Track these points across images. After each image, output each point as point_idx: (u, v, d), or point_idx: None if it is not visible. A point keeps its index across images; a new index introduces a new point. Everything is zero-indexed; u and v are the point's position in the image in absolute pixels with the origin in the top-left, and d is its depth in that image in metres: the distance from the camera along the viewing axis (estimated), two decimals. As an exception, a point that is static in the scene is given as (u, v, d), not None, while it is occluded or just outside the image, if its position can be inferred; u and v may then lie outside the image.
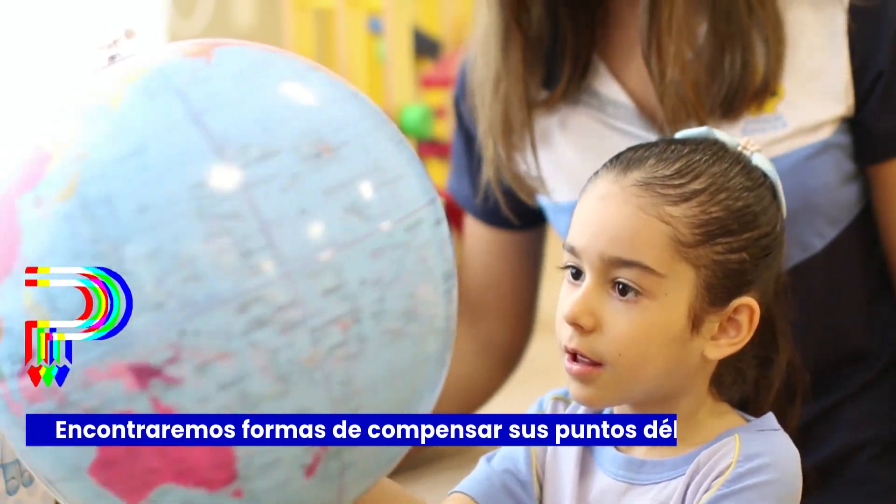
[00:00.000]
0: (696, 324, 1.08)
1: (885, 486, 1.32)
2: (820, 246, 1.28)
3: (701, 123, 1.25)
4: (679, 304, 1.07)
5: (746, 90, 1.25)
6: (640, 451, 1.11)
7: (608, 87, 1.32)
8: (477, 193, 1.41)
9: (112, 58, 0.96)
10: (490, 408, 1.52)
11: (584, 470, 1.13)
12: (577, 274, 1.10)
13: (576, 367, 1.08)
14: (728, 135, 1.14)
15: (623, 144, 1.23)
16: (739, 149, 1.13)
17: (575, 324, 1.07)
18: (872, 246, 1.33)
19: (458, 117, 1.46)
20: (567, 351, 1.09)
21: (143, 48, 0.96)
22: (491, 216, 1.44)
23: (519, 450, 1.16)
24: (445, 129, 3.31)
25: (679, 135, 1.16)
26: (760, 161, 1.13)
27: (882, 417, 1.33)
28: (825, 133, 1.27)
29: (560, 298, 1.12)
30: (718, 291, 1.08)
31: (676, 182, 1.08)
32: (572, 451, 1.14)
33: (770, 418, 1.12)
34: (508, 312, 1.49)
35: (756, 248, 1.10)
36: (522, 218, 1.42)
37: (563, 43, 1.32)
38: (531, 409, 1.20)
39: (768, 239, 1.11)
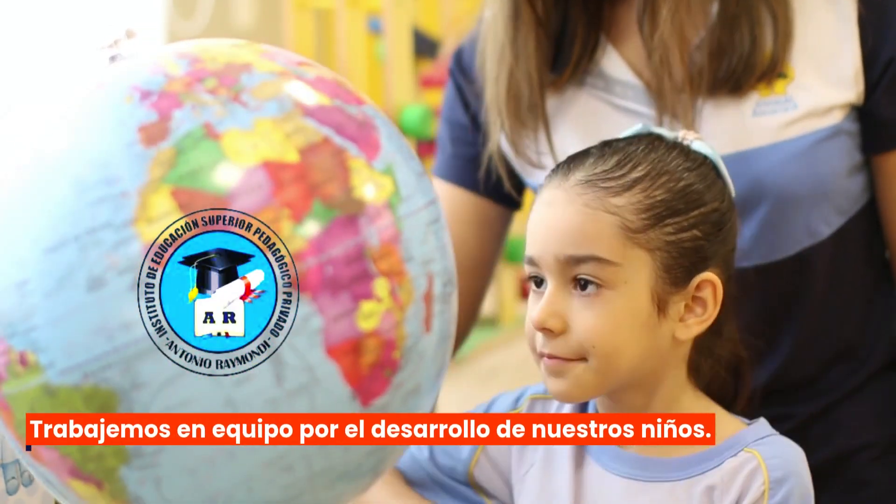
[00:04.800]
0: (661, 307, 1.10)
1: (885, 489, 1.32)
2: (827, 233, 1.29)
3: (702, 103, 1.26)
4: (640, 289, 1.09)
5: (755, 66, 1.26)
6: (643, 450, 1.13)
7: (616, 67, 1.32)
8: (473, 164, 1.40)
9: (113, 58, 0.96)
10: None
11: (580, 468, 1.14)
12: (540, 282, 1.12)
13: (551, 361, 1.10)
14: (667, 130, 1.17)
15: (629, 123, 1.24)
16: (679, 139, 1.16)
17: (544, 328, 1.09)
18: (875, 238, 1.33)
19: (458, 92, 1.44)
20: (542, 356, 1.10)
21: (144, 48, 0.97)
22: (465, 180, 1.43)
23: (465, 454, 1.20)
24: (445, 130, 3.31)
25: (624, 133, 1.18)
26: (700, 146, 1.15)
27: (880, 420, 1.33)
28: (835, 118, 1.27)
29: (528, 311, 1.13)
30: (677, 271, 1.10)
31: (616, 174, 1.11)
32: (566, 449, 1.15)
33: (764, 423, 1.14)
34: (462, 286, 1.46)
35: (707, 224, 1.12)
36: (519, 192, 1.41)
37: (572, 25, 1.32)
38: (507, 403, 1.21)
39: (717, 214, 1.13)
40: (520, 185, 1.40)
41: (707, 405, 1.16)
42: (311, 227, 0.88)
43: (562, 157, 1.32)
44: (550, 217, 1.11)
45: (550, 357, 1.10)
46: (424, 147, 3.25)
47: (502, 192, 1.40)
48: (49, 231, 0.87)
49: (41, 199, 0.88)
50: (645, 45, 1.27)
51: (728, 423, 1.14)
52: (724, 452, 1.11)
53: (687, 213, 1.11)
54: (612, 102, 1.31)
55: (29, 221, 0.88)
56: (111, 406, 0.86)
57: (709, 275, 1.11)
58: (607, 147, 1.14)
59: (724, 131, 1.25)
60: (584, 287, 1.09)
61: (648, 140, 1.15)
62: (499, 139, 1.35)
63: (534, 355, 1.12)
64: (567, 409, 1.18)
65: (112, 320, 0.85)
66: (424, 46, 3.49)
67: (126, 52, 0.97)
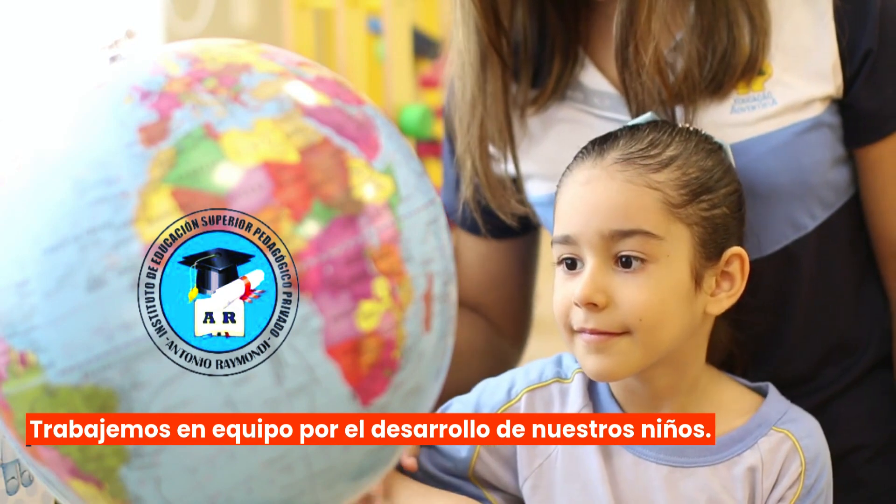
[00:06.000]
0: (697, 281, 1.13)
1: (879, 489, 1.32)
2: (811, 226, 1.29)
3: (693, 111, 1.26)
4: (681, 263, 1.12)
5: (735, 68, 1.26)
6: None
7: (592, 78, 1.32)
8: (459, 204, 1.41)
9: (113, 58, 0.96)
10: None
11: (609, 457, 1.16)
12: (573, 264, 1.12)
13: (595, 337, 1.10)
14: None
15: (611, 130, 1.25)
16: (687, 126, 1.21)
17: (589, 303, 1.10)
18: (860, 233, 1.34)
19: (447, 125, 1.46)
20: (583, 332, 1.11)
21: (144, 49, 0.97)
22: (472, 226, 1.45)
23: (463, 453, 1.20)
24: (445, 130, 3.31)
25: (629, 123, 1.21)
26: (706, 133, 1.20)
27: (875, 419, 1.34)
28: (815, 110, 1.27)
29: (557, 291, 1.14)
30: (711, 246, 1.14)
31: (653, 153, 1.14)
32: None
33: (775, 391, 1.19)
34: (503, 312, 1.49)
35: (731, 202, 1.16)
36: (501, 232, 1.42)
37: (551, 41, 1.32)
38: (499, 396, 1.21)
39: (737, 194, 1.17)
40: (496, 228, 1.41)
41: (725, 382, 1.19)
42: (311, 227, 0.88)
43: (550, 171, 1.34)
44: (590, 194, 1.13)
45: (594, 332, 1.10)
46: (424, 147, 3.24)
47: (478, 229, 1.42)
48: (49, 231, 0.87)
49: (41, 199, 0.88)
50: (621, 54, 1.27)
51: (745, 397, 1.19)
52: (754, 431, 1.16)
53: (717, 190, 1.15)
54: (591, 112, 1.32)
55: (29, 221, 0.88)
56: (111, 406, 0.86)
57: (738, 249, 1.16)
58: (635, 130, 1.17)
59: (702, 129, 1.25)
60: (627, 264, 1.11)
61: (668, 125, 1.19)
62: (473, 185, 1.36)
63: (566, 334, 1.14)
64: (573, 400, 1.18)
65: (112, 320, 0.85)
66: (424, 46, 3.48)
67: (126, 53, 0.97)
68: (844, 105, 1.29)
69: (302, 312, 0.87)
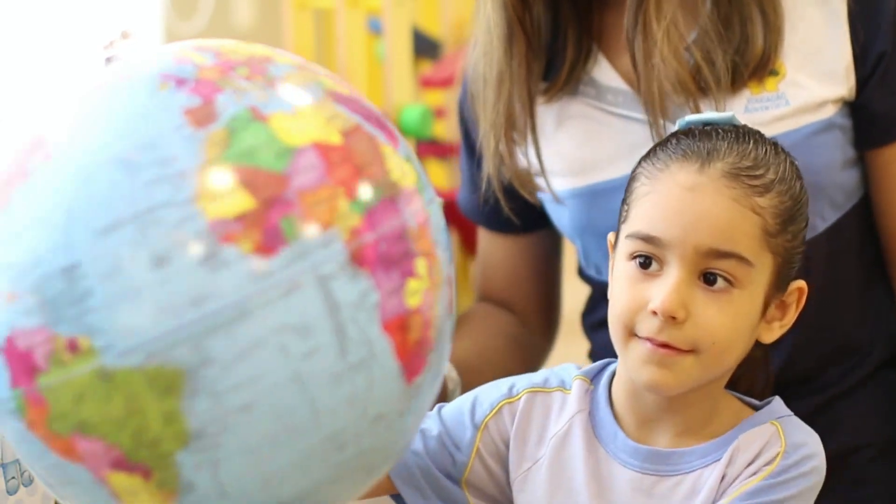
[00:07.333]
0: (764, 310, 1.11)
1: (883, 488, 1.32)
2: (821, 228, 1.29)
3: (696, 106, 1.26)
4: (759, 292, 1.10)
5: (748, 63, 1.26)
6: (662, 443, 1.12)
7: (605, 74, 1.32)
8: (479, 199, 1.41)
9: (109, 59, 0.97)
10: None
11: (596, 465, 1.13)
12: (647, 263, 1.09)
13: (662, 350, 1.07)
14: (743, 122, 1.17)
15: (624, 128, 1.26)
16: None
17: (670, 316, 1.07)
18: (870, 234, 1.34)
19: (461, 123, 1.46)
20: (656, 343, 1.08)
21: (140, 49, 0.97)
22: (494, 221, 1.44)
23: (467, 429, 1.17)
24: (445, 130, 3.31)
25: (703, 117, 1.16)
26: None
27: (879, 419, 1.34)
28: (828, 112, 1.27)
29: (622, 288, 1.11)
30: (784, 278, 1.11)
31: (757, 173, 1.10)
32: (579, 448, 1.14)
33: (779, 403, 1.15)
34: (530, 308, 1.49)
35: (803, 235, 1.13)
36: (524, 218, 1.41)
37: (563, 34, 1.33)
38: (499, 392, 1.19)
39: (806, 227, 1.14)
40: (520, 209, 1.40)
41: (731, 400, 1.16)
42: (365, 206, 0.89)
43: (563, 166, 1.33)
44: (695, 204, 1.08)
45: (663, 345, 1.08)
46: (424, 147, 3.24)
47: (501, 218, 1.41)
48: (101, 213, 0.86)
49: (88, 183, 0.87)
50: (634, 53, 1.27)
51: (741, 409, 1.15)
52: (743, 430, 1.12)
53: (799, 223, 1.12)
54: (604, 109, 1.32)
55: (76, 205, 0.87)
56: (177, 386, 0.85)
57: (801, 282, 1.13)
58: (738, 137, 1.12)
59: None
60: (712, 282, 1.08)
61: (760, 137, 1.14)
62: (497, 161, 1.35)
63: (622, 336, 1.10)
64: (571, 405, 1.17)
65: (180, 297, 0.85)
66: (424, 47, 3.48)
67: (122, 53, 0.97)
68: (856, 107, 1.29)
69: (362, 287, 0.88)
